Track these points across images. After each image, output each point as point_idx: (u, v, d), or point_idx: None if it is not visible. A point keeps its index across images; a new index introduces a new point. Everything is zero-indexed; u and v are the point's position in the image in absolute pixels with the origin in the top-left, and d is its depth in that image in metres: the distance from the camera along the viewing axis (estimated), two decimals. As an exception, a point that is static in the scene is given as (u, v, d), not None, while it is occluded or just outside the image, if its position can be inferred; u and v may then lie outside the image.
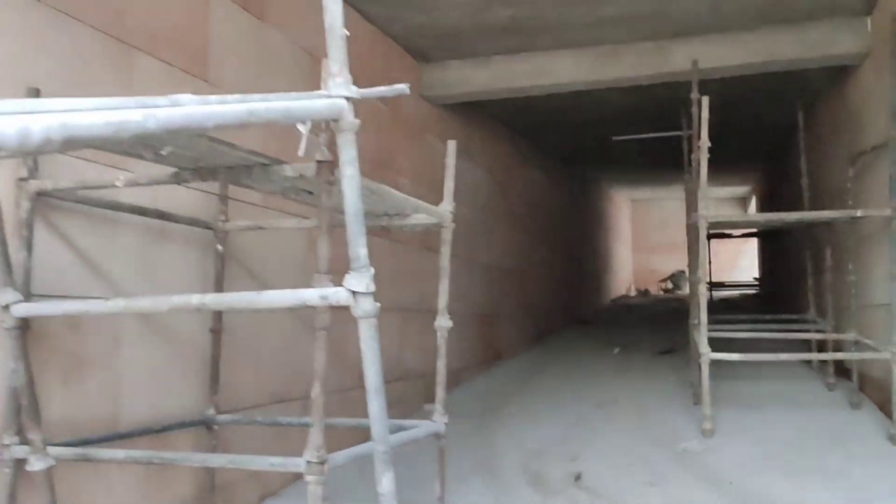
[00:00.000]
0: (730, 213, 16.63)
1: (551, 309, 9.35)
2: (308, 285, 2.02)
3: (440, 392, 3.01)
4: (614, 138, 8.65)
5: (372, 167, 4.76)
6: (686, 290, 17.47)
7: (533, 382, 6.24)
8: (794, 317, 6.64)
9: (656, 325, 10.17)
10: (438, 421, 2.92)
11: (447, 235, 3.07)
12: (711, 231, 8.39)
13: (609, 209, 14.44)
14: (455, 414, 5.52)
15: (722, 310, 10.74)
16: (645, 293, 15.64)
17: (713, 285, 11.85)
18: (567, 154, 9.83)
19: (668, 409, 5.05)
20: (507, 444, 4.38)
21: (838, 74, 5.69)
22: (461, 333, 6.18)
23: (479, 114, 6.85)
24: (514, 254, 7.82)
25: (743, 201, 16.80)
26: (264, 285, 3.65)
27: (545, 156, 9.39)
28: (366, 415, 1.92)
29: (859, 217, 4.55)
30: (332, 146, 2.05)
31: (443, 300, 3.06)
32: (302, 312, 3.80)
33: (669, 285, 17.00)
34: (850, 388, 4.94)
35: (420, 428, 2.78)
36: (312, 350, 2.09)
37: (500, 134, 7.53)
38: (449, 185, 3.07)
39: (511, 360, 7.35)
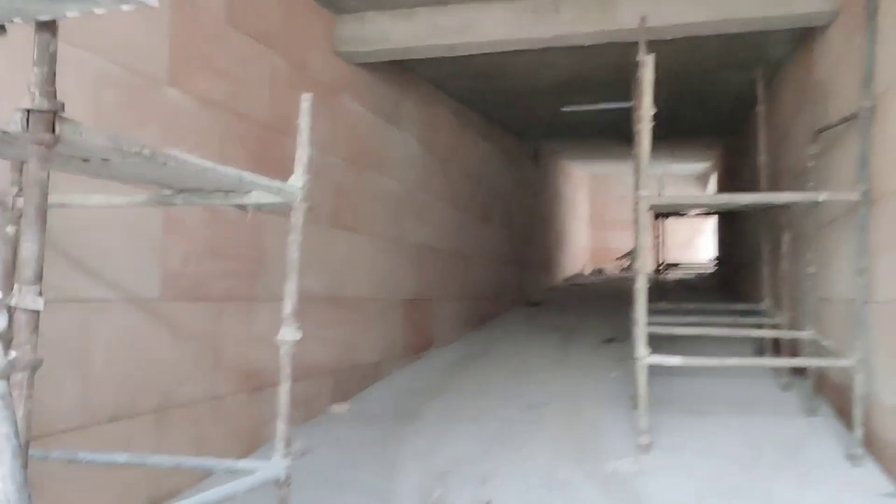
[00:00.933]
0: (685, 192, 16.14)
1: (498, 291, 8.71)
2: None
3: (282, 426, 2.28)
4: (564, 109, 7.97)
5: (264, 132, 4.02)
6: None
7: (462, 377, 5.59)
8: (745, 307, 6.07)
9: (607, 307, 9.58)
10: (279, 463, 2.20)
11: (297, 219, 2.35)
12: (663, 210, 7.80)
13: (566, 185, 13.80)
14: (365, 417, 4.87)
15: (677, 292, 10.23)
16: (600, 272, 15.10)
17: (668, 266, 11.32)
18: (519, 126, 9.13)
19: (605, 414, 4.44)
20: (412, 462, 3.71)
21: (803, 38, 5.05)
22: (383, 322, 5.50)
23: (410, 76, 6.10)
24: (454, 233, 7.14)
25: (704, 179, 16.31)
26: (99, 277, 2.91)
27: (494, 127, 8.68)
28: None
29: (821, 201, 3.93)
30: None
31: (289, 304, 2.35)
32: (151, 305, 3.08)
33: (627, 263, 16.49)
34: (806, 391, 4.37)
35: (245, 479, 2.05)
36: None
37: (437, 100, 6.79)
38: (302, 155, 2.34)
39: (444, 348, 6.69)
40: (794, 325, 4.93)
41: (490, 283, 8.41)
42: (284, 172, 2.41)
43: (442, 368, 5.86)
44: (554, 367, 5.80)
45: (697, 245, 15.94)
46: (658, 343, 3.99)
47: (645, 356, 3.68)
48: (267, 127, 4.07)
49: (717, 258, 12.10)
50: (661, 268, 10.34)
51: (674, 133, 11.01)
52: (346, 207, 4.99)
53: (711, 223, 14.16)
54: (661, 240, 9.11)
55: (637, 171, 5.39)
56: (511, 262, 9.38)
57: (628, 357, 6.08)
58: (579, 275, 14.42)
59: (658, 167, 13.44)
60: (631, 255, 16.92)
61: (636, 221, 5.26)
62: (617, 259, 16.63)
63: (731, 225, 10.28)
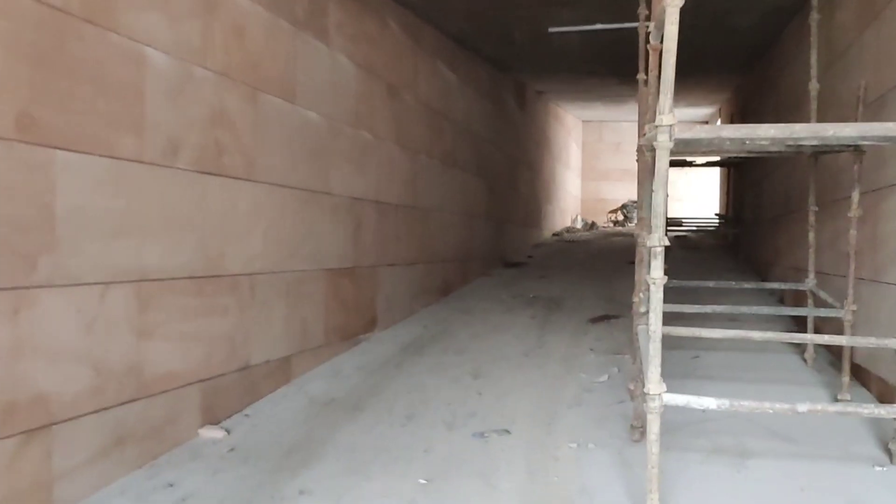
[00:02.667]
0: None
1: (468, 251, 7.18)
2: None
3: None
4: (551, 30, 6.31)
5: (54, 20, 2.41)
6: (636, 221, 15.27)
7: (397, 380, 4.08)
8: (783, 286, 4.54)
9: (598, 269, 8.09)
10: None
11: None
12: (681, 153, 6.22)
13: (556, 129, 12.15)
14: (245, 450, 3.33)
15: (676, 253, 8.72)
16: (592, 226, 13.54)
17: (668, 223, 9.76)
18: (495, 53, 7.46)
19: (588, 457, 2.94)
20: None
21: None
22: (293, 302, 3.98)
23: (340, -28, 4.45)
24: (406, 182, 5.56)
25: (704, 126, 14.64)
26: None
27: (464, 53, 7.02)
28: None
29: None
30: None
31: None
32: None
33: (620, 217, 14.95)
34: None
35: None
36: None
37: (382, 7, 5.14)
38: None
39: (390, 329, 5.17)
40: (861, 319, 3.43)
41: (457, 242, 6.86)
42: None
43: (375, 365, 4.35)
44: (523, 365, 4.30)
45: (694, 197, 14.36)
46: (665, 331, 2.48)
47: (659, 394, 2.15)
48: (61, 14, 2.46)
49: (721, 215, 10.52)
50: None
51: (679, 72, 9.34)
52: (228, 145, 3.41)
53: (712, 174, 12.58)
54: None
55: (643, 103, 3.85)
56: (485, 217, 7.81)
57: (624, 346, 4.61)
58: (569, 229, 12.88)
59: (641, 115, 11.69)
60: (625, 208, 15.39)
61: (650, 167, 3.77)
62: (610, 212, 15.08)
63: (744, 177, 8.68)
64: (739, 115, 9.41)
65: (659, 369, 2.15)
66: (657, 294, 2.13)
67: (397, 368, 4.25)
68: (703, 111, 12.50)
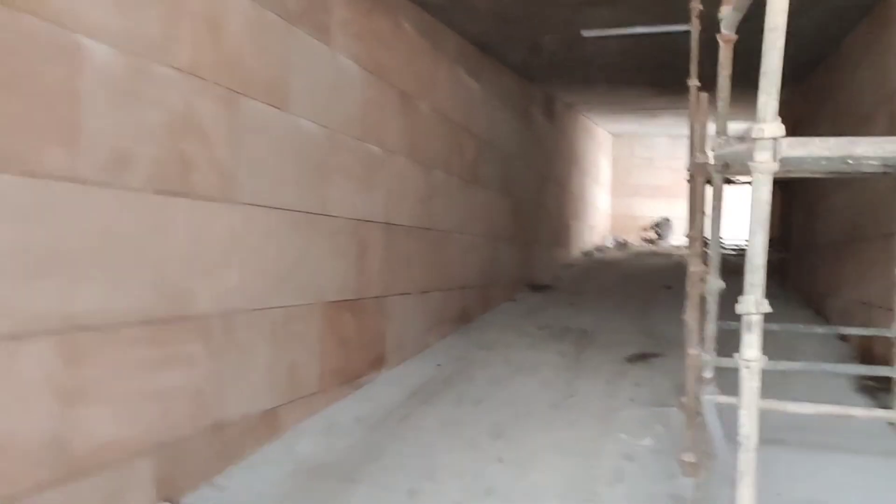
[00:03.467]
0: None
1: (491, 275, 6.51)
2: None
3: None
4: (584, 34, 5.65)
5: None
6: (671, 240, 14.61)
7: (398, 444, 3.39)
8: (864, 332, 3.80)
9: (631, 295, 7.37)
10: None
11: None
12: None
13: (586, 143, 11.45)
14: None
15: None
16: (624, 244, 12.77)
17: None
18: (524, 61, 6.81)
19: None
20: None
21: None
22: (281, 343, 3.35)
23: (345, -38, 3.84)
24: (422, 200, 4.92)
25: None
26: None
27: (490, 62, 6.38)
28: None
29: None
30: None
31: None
32: None
33: (652, 235, 14.16)
34: None
35: None
36: None
37: (397, 8, 4.52)
38: None
39: (396, 369, 4.51)
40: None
41: (478, 266, 6.19)
42: None
43: (378, 416, 3.68)
44: (552, 422, 3.60)
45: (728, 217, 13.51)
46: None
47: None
48: None
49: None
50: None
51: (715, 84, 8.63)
52: (198, 160, 2.79)
53: (738, 192, 11.75)
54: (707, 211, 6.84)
55: (700, 113, 3.22)
56: (510, 238, 7.14)
57: (670, 396, 3.91)
58: (599, 248, 12.14)
59: (699, 127, 10.94)
60: (658, 226, 14.58)
61: (697, 186, 3.16)
62: (642, 229, 14.31)
63: (793, 198, 7.90)
64: (792, 126, 8.66)
65: (752, 489, 1.47)
66: (750, 383, 1.44)
67: (403, 423, 3.58)
68: (739, 126, 11.73)
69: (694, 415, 2.66)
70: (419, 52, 4.87)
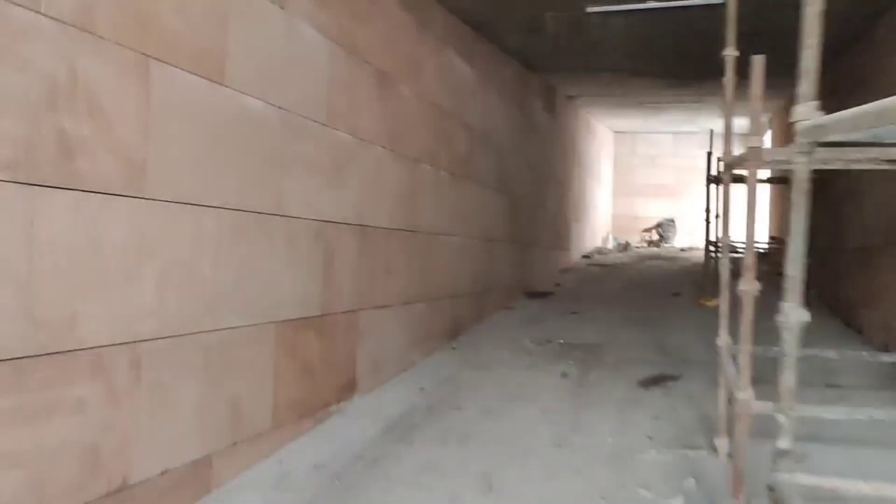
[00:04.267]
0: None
1: (485, 282, 5.81)
2: None
3: None
4: (589, 9, 4.95)
5: None
6: (674, 241, 13.84)
7: (367, 494, 2.70)
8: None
9: (638, 303, 6.68)
10: None
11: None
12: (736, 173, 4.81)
13: (587, 140, 10.76)
14: None
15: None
16: (625, 247, 12.05)
17: (714, 245, 8.29)
18: (523, 47, 6.11)
19: None
20: None
21: None
22: (215, 377, 2.64)
23: None
24: (404, 198, 4.22)
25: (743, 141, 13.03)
26: None
27: (486, 46, 5.68)
28: None
29: None
30: None
31: None
32: None
33: (655, 236, 13.48)
34: None
35: None
36: None
37: (374, -25, 3.82)
38: None
39: (371, 395, 3.80)
40: None
41: (471, 272, 5.49)
42: None
43: (343, 460, 2.96)
44: (555, 466, 2.90)
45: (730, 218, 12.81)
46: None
47: None
48: None
49: (775, 238, 8.98)
50: (714, 247, 7.38)
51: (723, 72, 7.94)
52: (87, 141, 2.09)
53: (764, 194, 11.07)
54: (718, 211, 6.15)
55: (731, 98, 2.56)
56: (507, 240, 6.44)
57: (699, 433, 3.22)
58: (600, 250, 11.44)
59: (707, 119, 10.34)
60: (660, 227, 13.85)
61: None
62: (644, 230, 13.60)
63: (815, 196, 7.19)
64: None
65: None
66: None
67: (371, 470, 2.88)
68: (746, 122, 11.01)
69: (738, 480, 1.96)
70: (401, 27, 4.17)
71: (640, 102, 9.54)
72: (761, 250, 9.31)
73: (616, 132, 13.51)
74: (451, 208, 4.96)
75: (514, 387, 3.99)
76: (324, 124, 3.33)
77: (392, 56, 4.02)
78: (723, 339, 2.90)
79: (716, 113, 10.16)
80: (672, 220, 13.34)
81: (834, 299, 6.04)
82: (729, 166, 3.05)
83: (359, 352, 3.74)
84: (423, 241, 4.49)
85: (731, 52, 2.88)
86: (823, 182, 6.43)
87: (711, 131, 8.72)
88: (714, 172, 7.91)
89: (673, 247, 13.03)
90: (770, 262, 8.39)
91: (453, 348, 4.88)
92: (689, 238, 13.30)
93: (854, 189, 5.58)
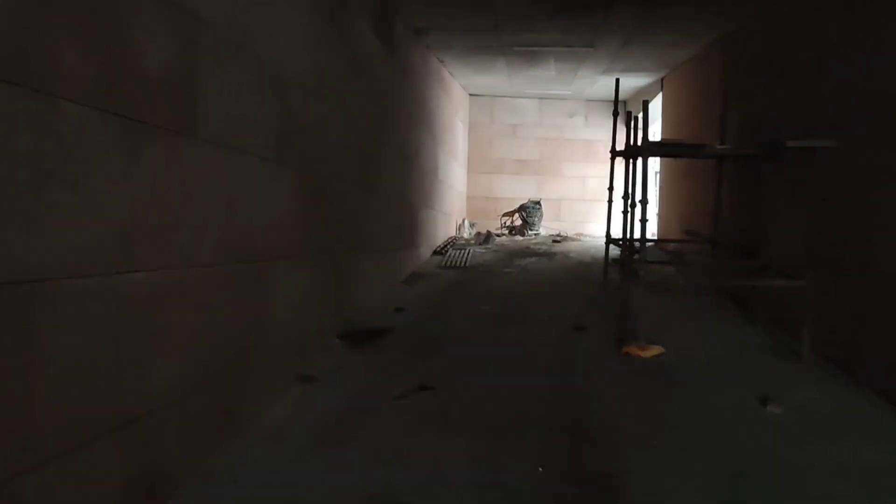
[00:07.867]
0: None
1: (238, 348, 2.76)
2: None
3: None
4: None
5: None
6: (540, 228, 11.20)
7: None
8: None
9: (528, 350, 3.88)
10: None
11: None
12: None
13: (440, 99, 7.85)
14: None
15: (654, 309, 4.55)
16: (487, 237, 9.28)
17: (625, 242, 5.70)
18: None
19: None
20: None
21: None
22: None
23: None
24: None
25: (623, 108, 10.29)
26: None
27: None
28: None
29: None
30: None
31: None
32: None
33: (518, 222, 10.93)
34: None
35: None
36: None
37: None
38: None
39: None
40: None
41: (193, 343, 2.40)
42: None
43: None
44: None
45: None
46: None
47: None
48: None
49: (701, 236, 6.31)
50: (624, 243, 4.70)
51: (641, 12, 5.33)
52: None
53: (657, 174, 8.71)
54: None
55: None
56: (299, 255, 3.40)
57: None
58: (455, 241, 8.61)
59: (590, 71, 7.67)
60: (525, 210, 11.25)
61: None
62: (504, 215, 10.97)
63: (839, 183, 4.69)
64: (702, 90, 5.47)
65: None
66: None
67: None
68: (641, 81, 8.62)
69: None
70: None
71: (514, 43, 6.75)
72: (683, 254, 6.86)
73: (472, 95, 10.74)
74: (129, 208, 1.85)
75: None
76: None
77: None
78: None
79: (605, 67, 7.58)
80: (538, 203, 10.82)
81: (847, 353, 3.55)
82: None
83: None
84: (17, 302, 1.36)
85: None
86: (824, 159, 3.80)
87: (617, 80, 6.14)
88: (621, 146, 5.34)
89: (539, 234, 10.52)
90: (701, 272, 5.73)
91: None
92: (559, 225, 10.86)
93: (877, 177, 3.07)
